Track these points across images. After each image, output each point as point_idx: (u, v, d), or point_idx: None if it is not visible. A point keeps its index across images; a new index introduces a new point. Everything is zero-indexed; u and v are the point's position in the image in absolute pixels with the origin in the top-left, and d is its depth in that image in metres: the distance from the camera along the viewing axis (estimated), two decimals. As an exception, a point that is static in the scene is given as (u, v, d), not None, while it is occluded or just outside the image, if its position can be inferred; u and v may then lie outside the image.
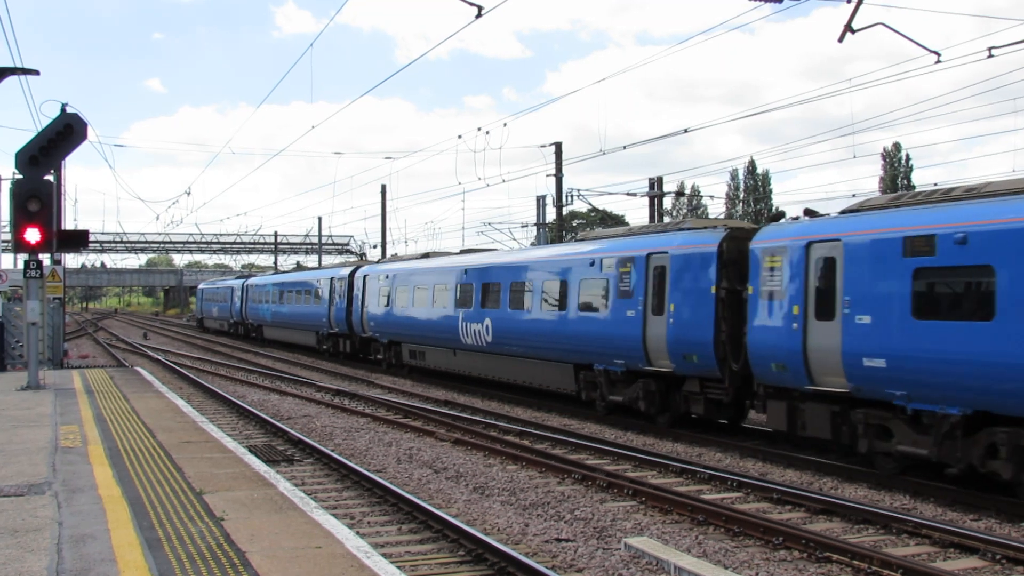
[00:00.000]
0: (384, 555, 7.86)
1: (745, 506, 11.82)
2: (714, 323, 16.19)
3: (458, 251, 30.94)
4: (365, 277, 33.46)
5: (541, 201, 36.28)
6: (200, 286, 73.91)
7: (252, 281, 53.81)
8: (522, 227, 42.04)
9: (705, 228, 17.40)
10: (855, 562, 9.21)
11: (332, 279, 37.51)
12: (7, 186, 19.83)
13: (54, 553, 7.06)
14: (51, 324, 27.74)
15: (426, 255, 30.89)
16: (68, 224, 48.71)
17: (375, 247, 60.59)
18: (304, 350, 42.93)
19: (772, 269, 14.87)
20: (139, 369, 28.55)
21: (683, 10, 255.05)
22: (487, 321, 23.58)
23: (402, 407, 21.46)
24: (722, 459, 15.31)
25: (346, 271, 36.49)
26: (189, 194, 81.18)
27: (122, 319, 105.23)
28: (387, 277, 31.16)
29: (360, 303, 33.55)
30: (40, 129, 19.14)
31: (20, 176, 18.53)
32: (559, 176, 35.31)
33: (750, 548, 9.94)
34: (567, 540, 10.12)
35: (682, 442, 16.98)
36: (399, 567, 7.43)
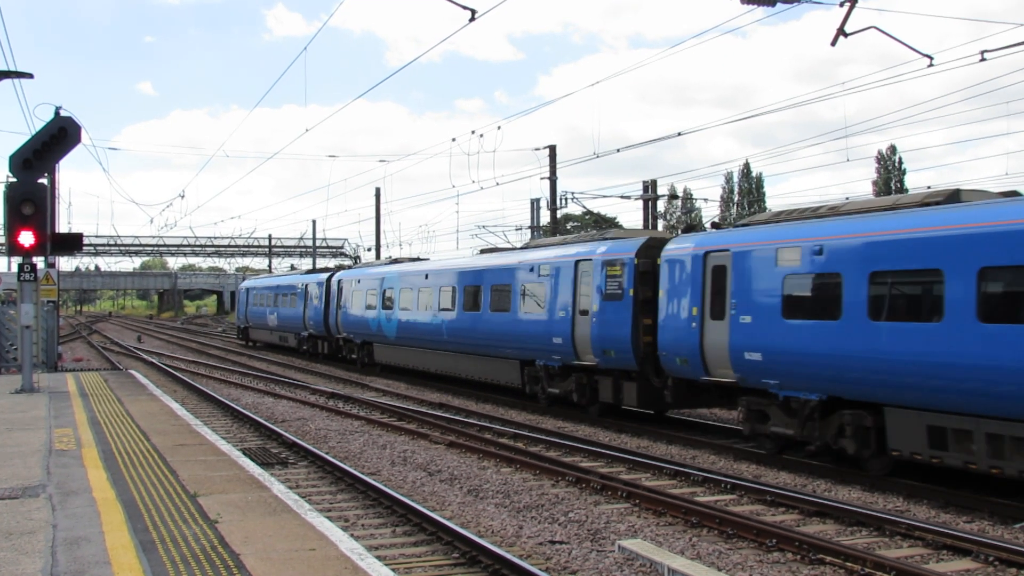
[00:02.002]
0: (378, 557, 7.86)
1: (739, 508, 11.85)
2: None
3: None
4: (724, 255, 15.78)
5: (535, 204, 36.39)
6: (244, 284, 54.22)
7: (350, 275, 35.47)
8: (516, 230, 42.11)
9: None
10: (848, 564, 9.24)
11: (577, 262, 19.98)
12: (1, 190, 19.75)
13: (48, 555, 7.06)
14: (45, 327, 27.70)
15: (893, 206, 13.83)
16: (62, 227, 48.65)
17: (369, 250, 60.63)
18: (486, 389, 24.88)
19: None
20: (133, 372, 28.52)
21: (676, 13, 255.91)
22: None
23: (396, 410, 21.45)
24: (716, 461, 15.34)
25: (630, 245, 18.71)
26: (183, 197, 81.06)
27: (116, 322, 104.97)
28: (820, 251, 13.83)
29: (723, 307, 15.74)
30: (34, 132, 19.13)
31: (14, 180, 18.52)
32: (553, 179, 35.38)
33: (744, 550, 9.97)
34: (561, 542, 10.14)
35: (676, 444, 17.01)
36: (393, 570, 7.43)
